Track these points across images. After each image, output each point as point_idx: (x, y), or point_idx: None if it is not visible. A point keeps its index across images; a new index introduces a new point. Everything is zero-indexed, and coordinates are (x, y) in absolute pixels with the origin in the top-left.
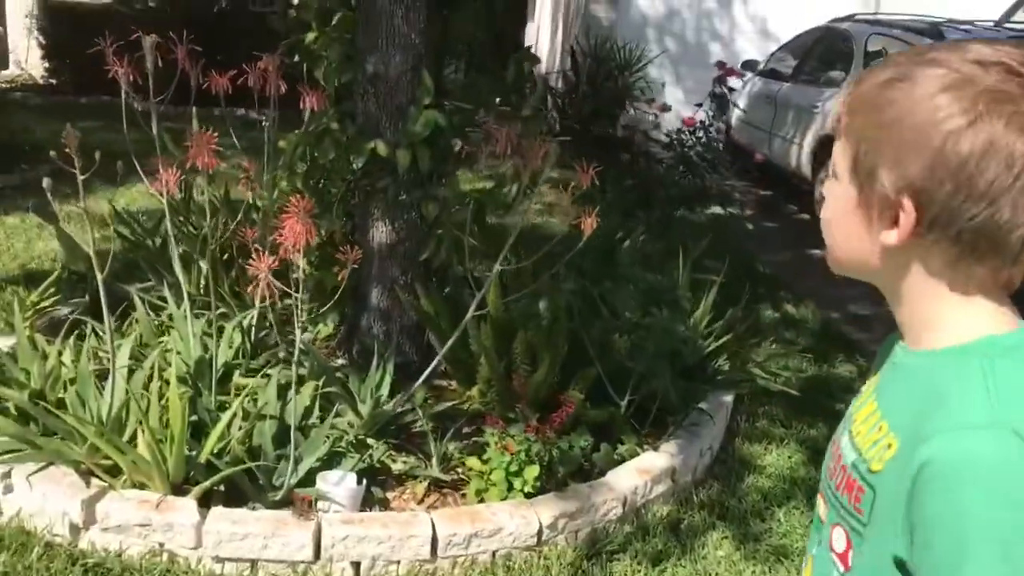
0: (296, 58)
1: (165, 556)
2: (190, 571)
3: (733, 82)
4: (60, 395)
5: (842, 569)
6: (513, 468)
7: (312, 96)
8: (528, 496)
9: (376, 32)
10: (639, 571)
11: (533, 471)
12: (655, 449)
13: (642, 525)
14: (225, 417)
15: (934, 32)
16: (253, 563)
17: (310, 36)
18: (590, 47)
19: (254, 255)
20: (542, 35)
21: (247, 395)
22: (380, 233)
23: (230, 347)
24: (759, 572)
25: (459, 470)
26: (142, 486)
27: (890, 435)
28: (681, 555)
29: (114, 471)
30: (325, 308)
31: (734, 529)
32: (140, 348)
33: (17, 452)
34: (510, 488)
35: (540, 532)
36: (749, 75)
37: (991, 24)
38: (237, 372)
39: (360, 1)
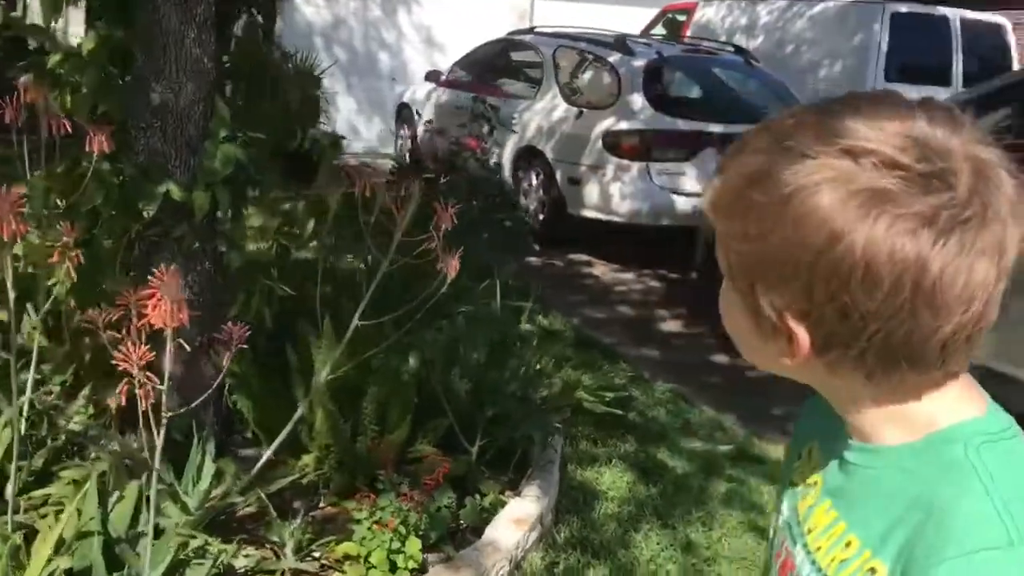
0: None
1: None
2: None
3: (409, 95)
4: None
5: None
6: (395, 545)
7: (56, 123)
8: (415, 573)
9: (162, 56)
10: None
11: (415, 544)
12: (518, 494)
13: None
14: (45, 547)
15: (620, 44)
16: None
17: (54, 58)
18: None
19: None
20: None
21: (54, 510)
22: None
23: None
24: None
25: (315, 555)
26: None
27: (868, 556)
28: None
29: None
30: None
31: (609, 564)
32: None
33: None
34: (393, 568)
35: None
36: (431, 86)
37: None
38: (15, 480)
39: (140, 20)
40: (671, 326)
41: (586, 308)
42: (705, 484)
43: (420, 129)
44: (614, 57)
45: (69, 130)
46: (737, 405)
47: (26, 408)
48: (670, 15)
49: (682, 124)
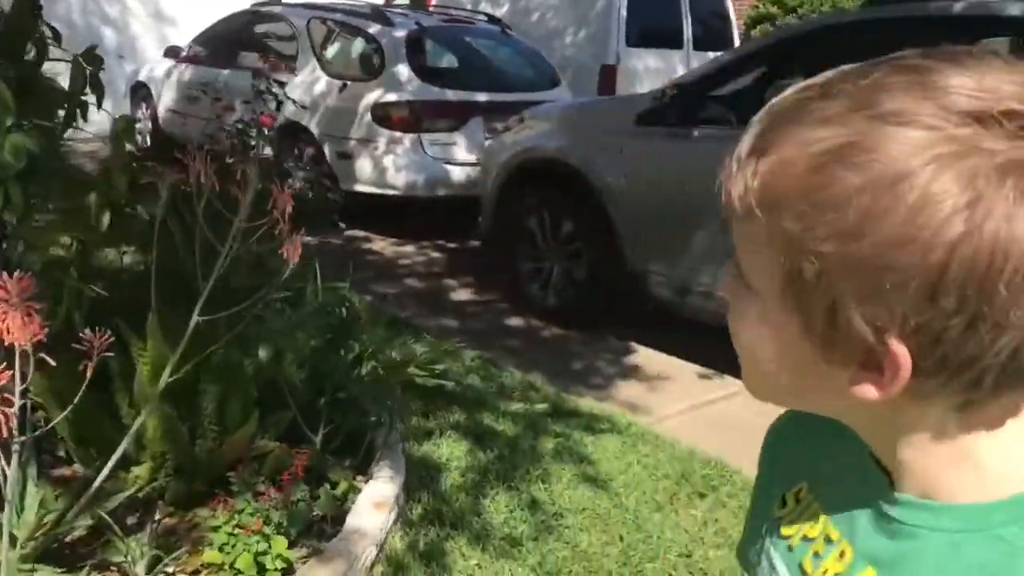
0: None
1: None
2: None
3: (145, 73)
4: None
5: None
6: (261, 547)
7: None
8: (285, 572)
9: None
10: None
11: (282, 543)
12: (370, 478)
13: (394, 562)
14: None
15: (378, 15)
16: None
17: None
18: None
19: None
20: None
21: None
22: None
23: None
24: (507, 564)
25: (168, 570)
26: None
27: None
28: None
29: None
30: None
31: (466, 534)
32: None
33: None
34: (262, 571)
35: None
36: (171, 63)
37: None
38: None
39: None
40: (462, 295)
41: (374, 284)
42: (534, 443)
43: (161, 109)
44: (374, 28)
45: None
46: (540, 365)
47: None
48: None
49: (450, 94)
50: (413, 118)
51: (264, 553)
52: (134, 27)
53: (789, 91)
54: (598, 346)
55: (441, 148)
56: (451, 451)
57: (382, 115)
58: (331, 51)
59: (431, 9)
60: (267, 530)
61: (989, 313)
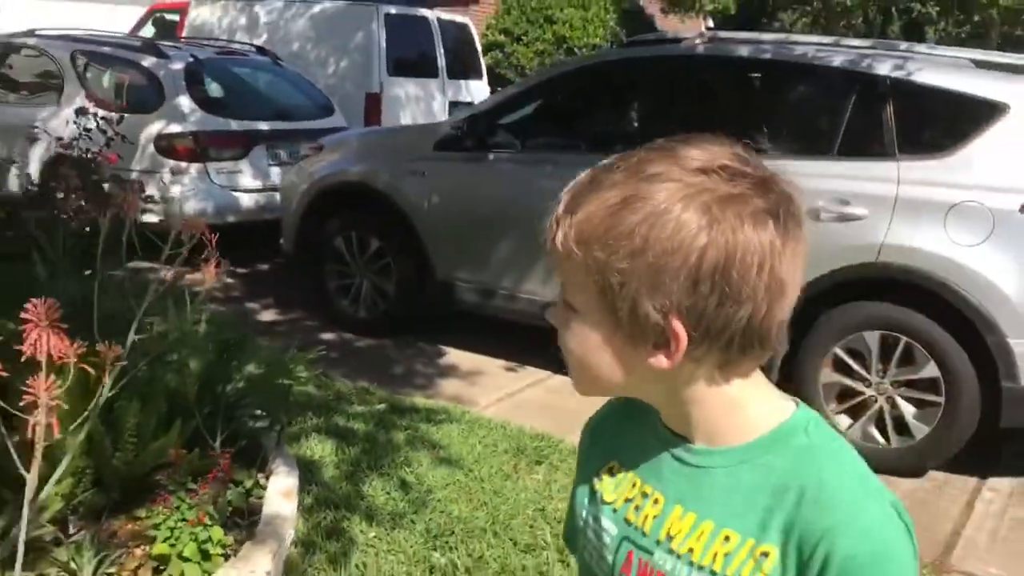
0: None
1: None
2: None
3: None
4: None
5: None
6: (203, 536)
7: None
8: (226, 557)
9: None
10: None
11: (219, 531)
12: (270, 474)
13: (306, 542)
14: None
15: (151, 47)
16: None
17: None
18: None
19: None
20: None
21: None
22: None
23: None
24: (401, 533)
25: (111, 571)
26: None
27: (752, 543)
28: (345, 561)
29: None
30: None
31: (360, 513)
32: None
33: None
34: (207, 557)
35: None
36: None
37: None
38: None
39: None
40: (268, 316)
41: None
42: (389, 437)
43: None
44: (149, 61)
45: None
46: (363, 372)
47: None
48: (159, 13)
49: (234, 124)
50: (198, 148)
51: (206, 541)
52: None
53: (584, 173)
54: (412, 351)
55: (227, 176)
56: (320, 450)
57: (166, 146)
58: (101, 84)
59: (184, 40)
60: (208, 521)
61: (729, 292)
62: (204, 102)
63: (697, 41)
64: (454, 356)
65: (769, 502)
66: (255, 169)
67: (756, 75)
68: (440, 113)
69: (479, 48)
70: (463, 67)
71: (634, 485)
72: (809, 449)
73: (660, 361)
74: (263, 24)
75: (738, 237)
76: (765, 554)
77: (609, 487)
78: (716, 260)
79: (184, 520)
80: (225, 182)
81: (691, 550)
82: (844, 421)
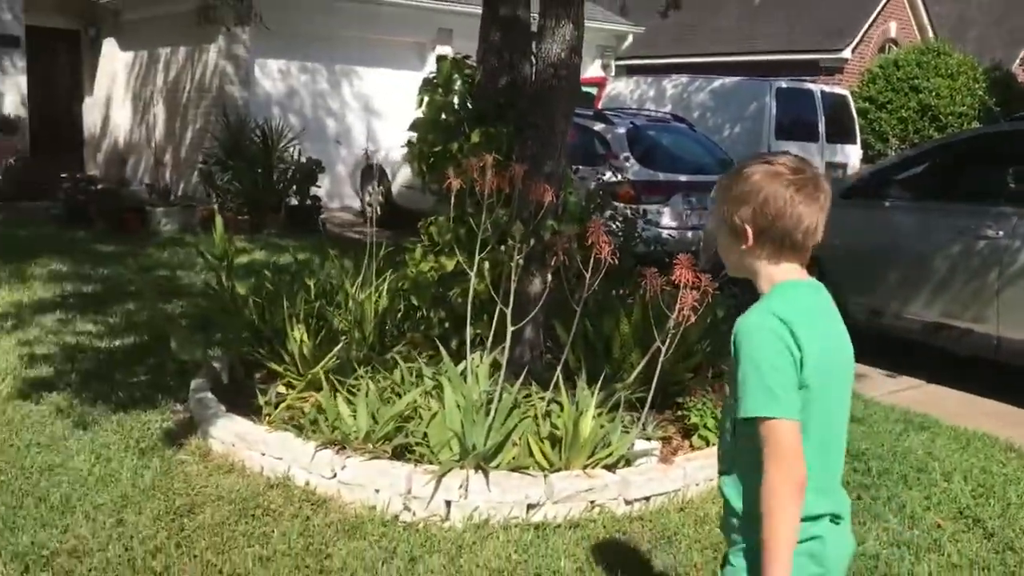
0: None
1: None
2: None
3: (381, 157)
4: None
5: (727, 403)
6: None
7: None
8: None
9: (552, 146)
10: None
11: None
12: None
13: None
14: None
15: (600, 116)
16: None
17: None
18: (229, 123)
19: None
20: (115, 110)
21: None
22: (534, 285)
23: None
24: None
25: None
26: None
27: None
28: None
29: None
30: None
31: None
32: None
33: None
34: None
35: None
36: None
37: None
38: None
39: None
40: None
41: None
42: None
43: (395, 186)
44: (599, 126)
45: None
46: None
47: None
48: (584, 88)
49: (660, 175)
50: (635, 194)
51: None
52: (349, 118)
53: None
54: None
55: (655, 216)
56: None
57: (612, 192)
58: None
59: (638, 111)
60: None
61: (769, 214)
62: (639, 157)
63: None
64: None
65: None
66: (674, 212)
67: None
68: None
69: (855, 117)
70: (840, 133)
71: None
72: (771, 294)
73: (744, 243)
74: (669, 96)
75: (775, 190)
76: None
77: None
78: (766, 205)
79: (707, 407)
80: (653, 221)
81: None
82: None
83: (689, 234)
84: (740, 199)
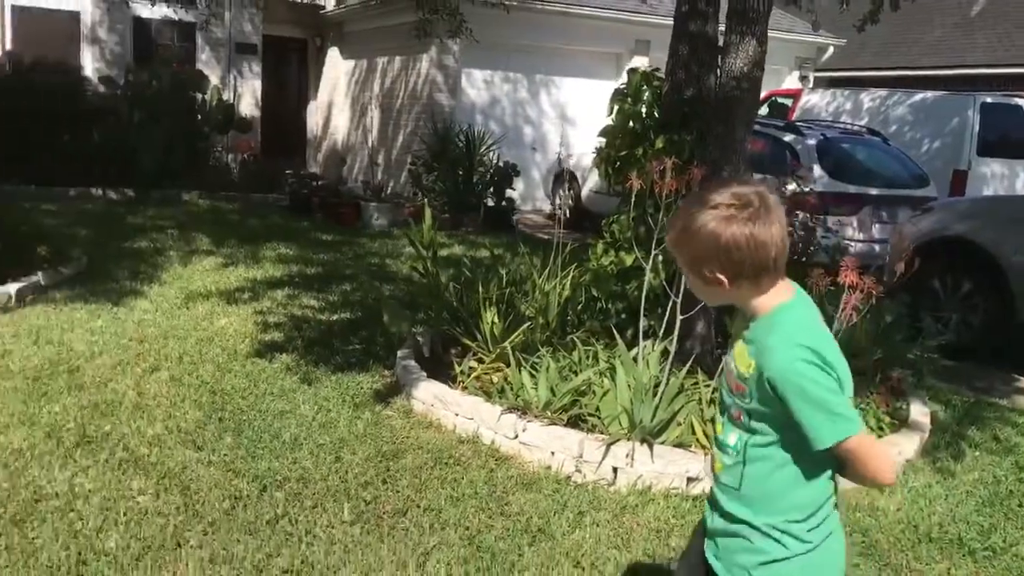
0: None
1: None
2: None
3: (573, 162)
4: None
5: (737, 420)
6: (880, 415)
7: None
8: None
9: (733, 155)
10: None
11: (885, 417)
12: (911, 402)
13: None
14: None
15: (792, 128)
16: None
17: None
18: (436, 129)
19: None
20: (335, 113)
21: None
22: None
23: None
24: None
25: None
26: None
27: (750, 360)
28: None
29: None
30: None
31: (971, 446)
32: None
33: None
34: (880, 428)
35: None
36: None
37: None
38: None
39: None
40: None
41: None
42: (970, 412)
43: (585, 191)
44: (789, 137)
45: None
46: (951, 379)
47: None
48: (775, 99)
49: (850, 188)
50: (822, 204)
51: (880, 419)
52: (545, 126)
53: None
54: (987, 371)
55: (840, 228)
56: (932, 402)
57: (798, 202)
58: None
59: (831, 124)
60: (884, 408)
61: (741, 261)
62: (829, 169)
63: None
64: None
65: (758, 344)
66: (861, 224)
67: None
68: (1022, 188)
69: None
70: None
71: (736, 338)
72: (773, 323)
73: (724, 287)
74: (865, 109)
75: (732, 233)
76: (750, 365)
77: (736, 344)
78: (727, 246)
79: (870, 406)
80: (835, 231)
81: (738, 362)
82: None
83: (876, 247)
84: (701, 257)
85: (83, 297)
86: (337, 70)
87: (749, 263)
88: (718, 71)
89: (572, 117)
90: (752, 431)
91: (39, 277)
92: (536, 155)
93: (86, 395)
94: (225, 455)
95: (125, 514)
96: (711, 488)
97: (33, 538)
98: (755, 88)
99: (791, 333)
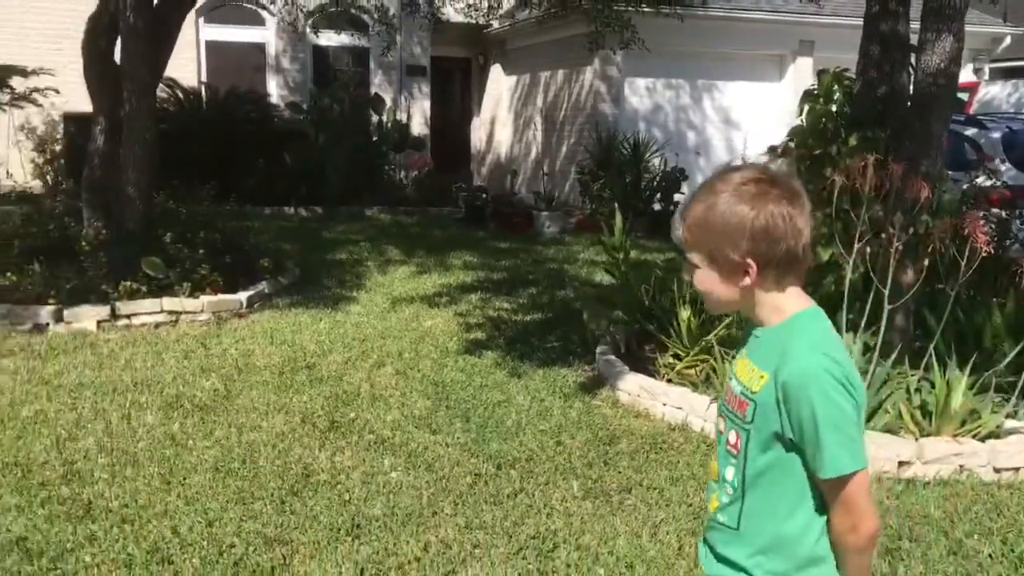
0: None
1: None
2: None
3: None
4: None
5: (734, 452)
6: None
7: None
8: None
9: (931, 148)
10: None
11: None
12: None
13: None
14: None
15: (973, 121)
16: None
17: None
18: (600, 138)
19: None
20: (498, 128)
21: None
22: (907, 275)
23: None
24: None
25: None
26: None
27: (762, 372)
28: None
29: None
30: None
31: None
32: None
33: None
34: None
35: None
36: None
37: None
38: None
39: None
40: None
41: None
42: None
43: None
44: (971, 131)
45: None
46: None
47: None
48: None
49: None
50: (1011, 198)
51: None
52: (709, 130)
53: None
54: None
55: None
56: None
57: (982, 196)
58: None
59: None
60: None
61: (773, 240)
62: (1015, 162)
63: None
64: None
65: (775, 355)
66: None
67: None
68: None
69: None
70: None
71: (740, 356)
72: (795, 328)
73: (746, 282)
74: None
75: (768, 210)
76: (762, 377)
77: (739, 355)
78: (763, 226)
79: None
80: None
81: (741, 376)
82: None
83: None
84: (731, 234)
85: (302, 303)
86: (500, 86)
87: (784, 248)
88: (911, 68)
89: (735, 120)
90: (750, 459)
91: (263, 286)
92: (700, 159)
93: (327, 387)
94: (458, 438)
95: (384, 486)
96: (704, 532)
97: (312, 505)
98: (952, 84)
99: (818, 341)
